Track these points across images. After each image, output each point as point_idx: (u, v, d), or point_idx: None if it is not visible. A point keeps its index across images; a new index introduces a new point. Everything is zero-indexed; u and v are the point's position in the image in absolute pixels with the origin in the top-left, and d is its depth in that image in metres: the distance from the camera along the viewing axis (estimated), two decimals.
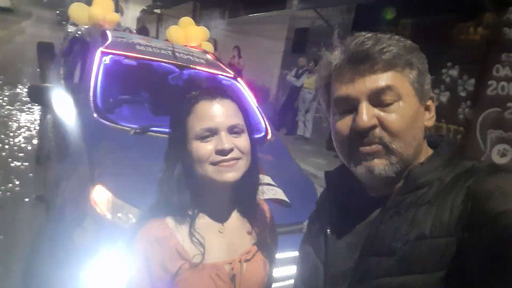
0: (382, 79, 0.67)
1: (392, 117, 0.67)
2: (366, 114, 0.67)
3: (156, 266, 0.86)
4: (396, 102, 0.67)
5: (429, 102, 0.73)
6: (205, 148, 0.86)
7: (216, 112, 0.88)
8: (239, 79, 3.35)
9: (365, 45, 0.68)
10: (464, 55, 5.27)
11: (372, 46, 0.68)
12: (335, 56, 0.72)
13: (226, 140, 0.86)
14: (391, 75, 0.68)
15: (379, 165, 0.68)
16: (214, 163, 0.86)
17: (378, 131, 0.67)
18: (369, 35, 0.70)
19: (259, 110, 3.13)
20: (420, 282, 0.61)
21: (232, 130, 0.88)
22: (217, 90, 0.93)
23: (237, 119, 0.90)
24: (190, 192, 0.91)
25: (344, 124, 0.71)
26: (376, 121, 0.67)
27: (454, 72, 5.45)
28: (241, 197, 0.97)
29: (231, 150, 0.86)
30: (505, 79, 4.89)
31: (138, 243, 0.88)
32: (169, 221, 0.89)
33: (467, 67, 5.34)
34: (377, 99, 0.68)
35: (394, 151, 0.67)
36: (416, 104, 0.69)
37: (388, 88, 0.67)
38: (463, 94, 5.42)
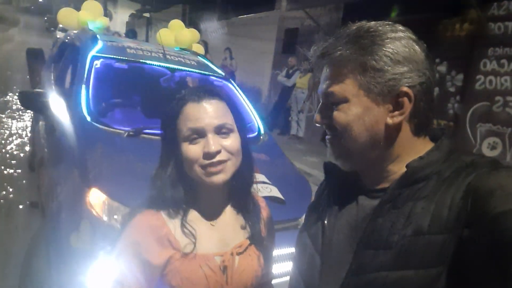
0: (327, 85, 0.74)
1: (337, 115, 0.72)
2: (318, 112, 0.77)
3: (147, 253, 0.87)
4: (342, 103, 0.71)
5: (403, 99, 0.68)
6: (193, 151, 0.87)
7: (203, 113, 0.88)
8: (230, 79, 3.37)
9: (322, 47, 0.74)
10: (451, 51, 5.34)
11: (324, 48, 0.73)
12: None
13: (213, 142, 0.87)
14: (334, 80, 0.72)
15: (331, 156, 0.77)
16: (203, 167, 0.87)
17: (329, 127, 0.75)
18: (325, 42, 0.74)
19: (251, 110, 3.15)
20: (416, 277, 0.61)
21: (220, 131, 0.89)
22: (204, 90, 0.93)
23: (225, 119, 0.90)
24: (183, 189, 0.92)
25: None
26: (327, 120, 0.74)
27: (442, 68, 5.53)
28: (234, 193, 0.99)
29: (218, 152, 0.87)
30: (492, 73, 4.98)
31: (132, 230, 0.90)
32: (163, 213, 0.92)
33: (455, 62, 5.42)
34: (328, 100, 0.74)
35: (342, 146, 0.73)
36: (366, 104, 0.70)
37: (331, 93, 0.73)
38: (452, 89, 5.50)
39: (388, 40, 0.69)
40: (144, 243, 0.88)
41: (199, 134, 0.88)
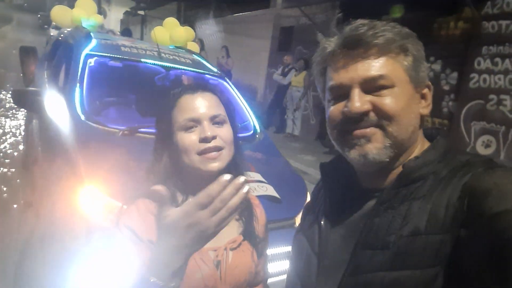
0: (375, 67, 0.67)
1: (385, 101, 0.67)
2: (358, 100, 0.67)
3: (145, 234, 0.88)
4: (389, 88, 0.67)
5: (426, 90, 0.72)
6: (189, 138, 0.91)
7: (198, 104, 0.93)
8: (225, 78, 3.36)
9: (359, 30, 0.68)
10: (446, 49, 5.37)
11: (366, 31, 0.68)
12: (330, 42, 0.72)
13: (208, 128, 0.91)
14: (384, 61, 0.68)
15: (373, 149, 0.68)
16: (200, 153, 0.90)
17: (372, 115, 0.68)
18: (364, 21, 0.70)
19: (247, 109, 3.14)
20: (413, 278, 0.61)
21: (214, 120, 0.93)
22: (198, 85, 0.99)
23: (219, 110, 0.95)
24: (177, 181, 0.95)
25: (337, 110, 0.71)
26: (370, 107, 0.67)
27: (437, 67, 5.55)
28: None
29: (213, 137, 0.90)
30: (486, 71, 5.01)
31: (131, 212, 0.91)
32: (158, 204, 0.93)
33: (449, 61, 5.44)
34: (369, 85, 0.68)
35: (390, 134, 0.67)
36: (410, 91, 0.69)
37: (380, 77, 0.67)
38: (446, 87, 5.53)
39: (416, 37, 0.72)
40: (143, 225, 0.89)
41: (194, 122, 0.92)
